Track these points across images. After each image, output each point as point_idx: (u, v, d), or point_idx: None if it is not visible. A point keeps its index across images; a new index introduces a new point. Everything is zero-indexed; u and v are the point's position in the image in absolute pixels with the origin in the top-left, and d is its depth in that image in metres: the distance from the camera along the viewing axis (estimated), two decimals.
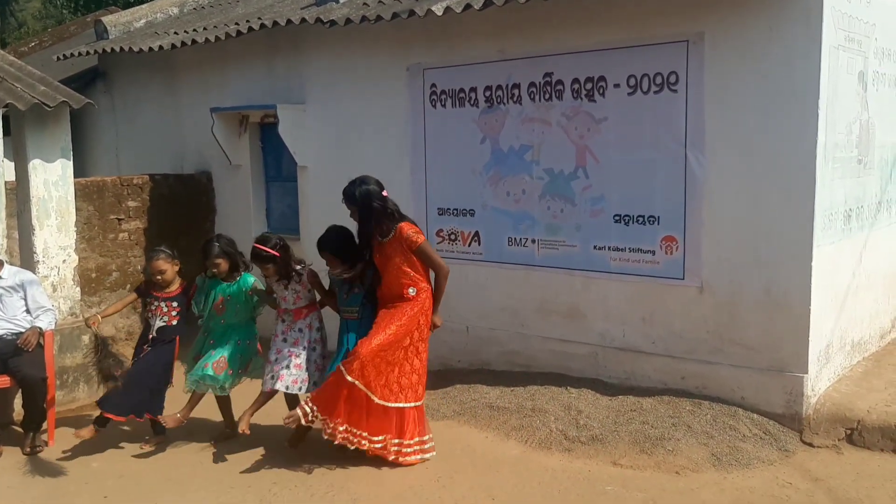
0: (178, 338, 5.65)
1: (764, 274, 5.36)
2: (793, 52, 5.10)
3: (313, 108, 7.73)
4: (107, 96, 10.11)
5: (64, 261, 6.50)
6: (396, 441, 5.09)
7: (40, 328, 5.67)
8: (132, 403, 5.35)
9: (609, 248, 5.98)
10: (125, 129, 10.10)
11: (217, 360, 5.41)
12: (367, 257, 5.18)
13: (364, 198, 5.04)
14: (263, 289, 5.58)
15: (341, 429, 4.95)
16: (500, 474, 5.01)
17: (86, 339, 6.56)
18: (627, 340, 5.98)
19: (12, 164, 6.63)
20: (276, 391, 5.28)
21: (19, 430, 5.77)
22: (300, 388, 5.28)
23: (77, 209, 6.75)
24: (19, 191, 6.51)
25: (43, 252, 6.40)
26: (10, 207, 6.86)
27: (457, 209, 6.82)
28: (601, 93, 5.87)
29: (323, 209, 7.72)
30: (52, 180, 6.41)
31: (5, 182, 6.89)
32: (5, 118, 6.69)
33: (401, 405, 5.07)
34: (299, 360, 5.30)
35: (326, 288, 5.48)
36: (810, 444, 5.21)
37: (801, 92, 5.10)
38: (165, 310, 5.58)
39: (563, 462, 5.18)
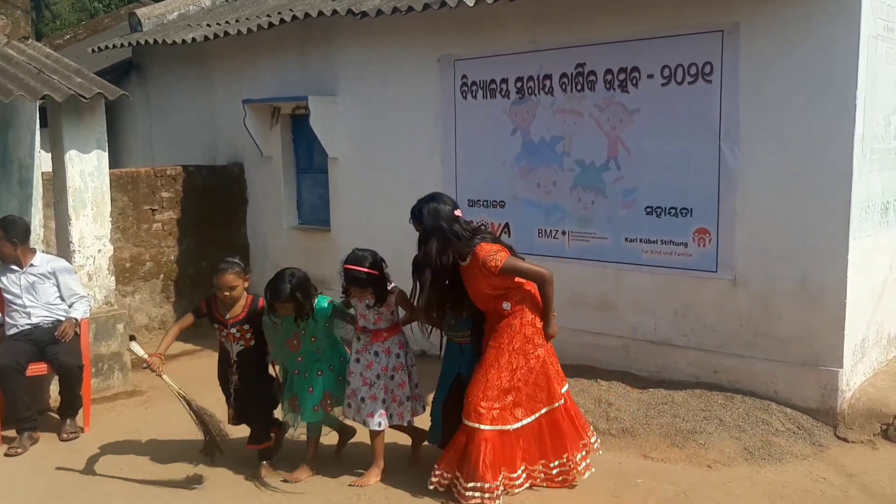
0: (266, 356, 5.07)
1: (799, 267, 5.29)
2: (830, 41, 5.02)
3: (344, 99, 7.75)
4: (140, 88, 10.21)
5: (99, 250, 6.59)
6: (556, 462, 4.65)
7: (76, 318, 5.76)
8: (259, 431, 5.03)
9: (641, 240, 5.94)
10: (159, 120, 10.20)
11: (323, 400, 4.87)
12: (438, 282, 4.59)
13: (429, 217, 4.52)
14: (341, 307, 4.97)
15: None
16: None
17: (120, 327, 6.66)
18: (659, 333, 5.94)
19: (49, 155, 6.73)
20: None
21: (56, 416, 5.87)
22: (391, 420, 4.82)
23: (112, 200, 6.83)
24: (56, 181, 6.60)
25: (79, 242, 6.49)
26: (47, 198, 6.98)
27: (487, 201, 6.81)
28: (634, 83, 5.82)
29: (353, 201, 7.77)
30: (88, 171, 6.49)
31: (42, 173, 7.01)
32: (42, 110, 6.79)
33: (534, 416, 4.60)
34: (379, 390, 4.77)
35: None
36: (845, 440, 5.15)
37: (838, 82, 5.02)
38: (238, 335, 4.93)
39: (593, 454, 5.15)
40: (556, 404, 4.66)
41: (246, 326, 4.92)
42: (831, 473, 4.78)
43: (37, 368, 5.62)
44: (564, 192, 6.30)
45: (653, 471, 4.90)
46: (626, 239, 6.01)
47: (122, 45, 9.93)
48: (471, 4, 5.97)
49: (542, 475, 4.66)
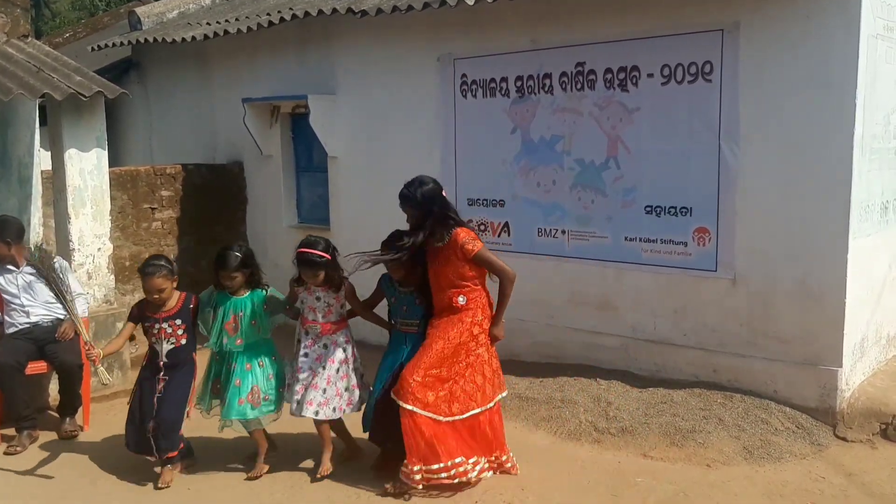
0: (194, 356, 5.03)
1: (798, 266, 5.30)
2: (830, 41, 5.03)
3: (344, 98, 7.74)
4: (140, 86, 10.21)
5: (99, 249, 6.58)
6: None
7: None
8: (171, 440, 4.85)
9: (641, 239, 5.94)
10: (158, 118, 10.19)
11: (250, 392, 4.85)
12: (419, 265, 4.75)
13: (426, 200, 4.57)
14: (282, 298, 4.98)
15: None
16: (529, 464, 5.00)
17: (120, 326, 6.64)
18: (659, 332, 5.95)
19: (48, 153, 6.72)
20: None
21: (55, 414, 5.86)
22: (332, 412, 4.84)
23: (111, 198, 6.83)
24: (55, 180, 6.60)
25: (78, 240, 6.48)
26: (47, 196, 6.98)
27: (486, 199, 6.81)
28: (634, 83, 5.82)
29: (353, 199, 7.77)
30: (88, 169, 6.48)
31: (41, 171, 7.01)
32: (42, 108, 6.79)
33: (466, 415, 4.66)
34: (322, 380, 4.81)
35: (363, 299, 5.05)
36: (844, 439, 5.15)
37: (838, 82, 5.02)
38: (170, 331, 4.87)
39: (592, 453, 5.17)
40: (488, 406, 4.73)
41: (178, 321, 4.89)
42: (830, 473, 4.78)
43: (36, 367, 5.62)
44: (564, 191, 6.30)
45: (652, 470, 4.90)
46: (626, 238, 6.02)
47: (121, 44, 9.93)
48: (471, 3, 5.97)
49: (488, 466, 4.79)
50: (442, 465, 4.53)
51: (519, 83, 6.45)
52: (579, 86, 6.11)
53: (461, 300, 4.64)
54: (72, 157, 6.42)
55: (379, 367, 4.95)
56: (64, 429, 5.68)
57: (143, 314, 4.91)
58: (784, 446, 5.03)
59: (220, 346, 4.92)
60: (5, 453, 5.38)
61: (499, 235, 6.75)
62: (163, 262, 4.89)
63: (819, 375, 5.27)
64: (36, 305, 5.73)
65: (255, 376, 4.89)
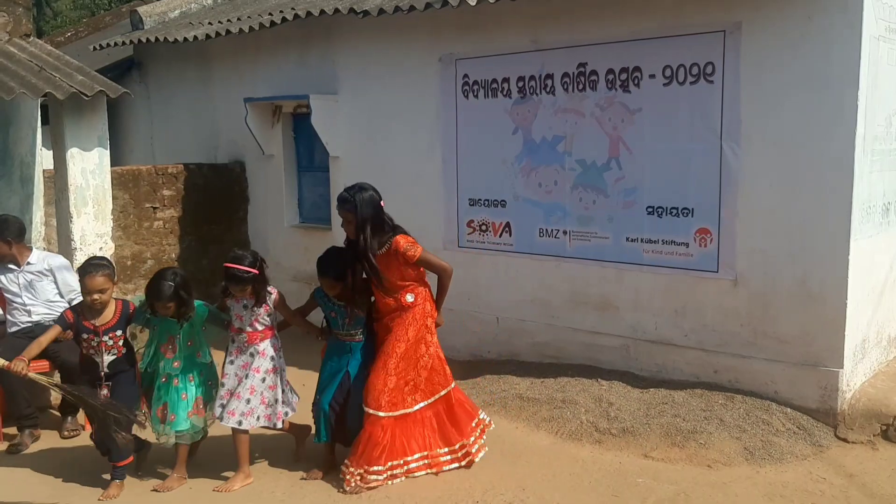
0: (136, 366, 4.90)
1: (799, 267, 5.30)
2: (831, 42, 5.03)
3: (345, 98, 7.75)
4: (142, 86, 10.21)
5: (101, 248, 6.58)
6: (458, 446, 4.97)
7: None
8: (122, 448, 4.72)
9: (642, 239, 5.94)
10: (160, 118, 10.20)
11: (195, 404, 4.78)
12: (360, 274, 4.86)
13: (364, 206, 4.70)
14: (216, 311, 4.94)
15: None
16: (529, 465, 5.02)
17: None
18: (660, 333, 5.95)
19: (50, 152, 6.73)
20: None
21: (57, 414, 5.87)
22: (256, 422, 4.82)
23: (113, 197, 6.83)
24: (57, 179, 6.60)
25: (80, 239, 6.49)
26: (48, 195, 6.99)
27: (488, 200, 6.82)
28: (636, 83, 5.83)
29: None
30: (90, 169, 6.49)
31: (43, 170, 7.01)
32: (44, 107, 6.79)
33: (434, 398, 4.93)
34: (245, 390, 4.76)
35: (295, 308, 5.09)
36: (845, 440, 5.16)
37: (839, 83, 5.02)
38: (111, 343, 4.70)
39: (593, 454, 5.17)
40: (453, 385, 5.01)
41: (119, 333, 4.72)
42: (831, 474, 4.78)
43: (38, 366, 5.61)
44: (565, 191, 6.30)
45: (653, 470, 4.90)
46: (627, 238, 6.02)
47: (123, 43, 9.93)
48: (473, 3, 5.98)
49: (449, 457, 4.95)
50: (401, 460, 4.79)
51: (520, 83, 6.45)
52: (581, 86, 6.12)
53: (409, 298, 4.85)
54: (74, 156, 6.42)
55: (320, 377, 5.00)
56: (65, 427, 5.69)
57: (80, 325, 4.67)
58: (785, 447, 5.04)
59: (155, 367, 4.80)
60: (7, 452, 5.39)
61: (500, 236, 6.76)
62: (105, 262, 4.76)
63: (820, 376, 5.28)
64: (37, 304, 5.73)
65: (198, 387, 4.82)
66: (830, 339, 5.23)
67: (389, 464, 4.75)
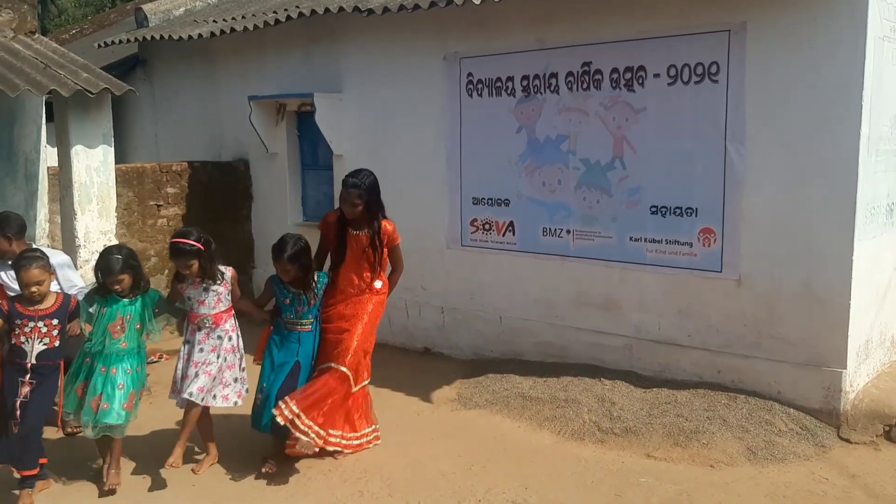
0: (62, 363, 4.71)
1: (803, 267, 5.30)
2: (837, 42, 5.02)
3: (350, 96, 7.75)
4: (146, 83, 10.23)
5: (105, 245, 6.59)
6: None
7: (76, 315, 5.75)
8: (33, 454, 4.59)
9: (646, 239, 5.94)
10: (164, 116, 10.21)
11: (129, 398, 4.63)
12: (341, 257, 5.12)
13: (372, 188, 5.03)
14: (165, 298, 4.95)
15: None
16: (532, 463, 5.02)
17: None
18: (663, 333, 5.95)
19: (55, 149, 6.74)
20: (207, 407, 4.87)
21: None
22: (213, 400, 4.85)
23: (117, 195, 6.85)
24: (61, 176, 6.62)
25: (84, 237, 6.51)
26: (53, 192, 7.01)
27: (491, 199, 6.82)
28: (640, 83, 5.82)
29: None
30: (94, 166, 6.51)
31: (48, 167, 7.03)
32: (48, 104, 6.80)
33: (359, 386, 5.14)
34: (214, 368, 4.81)
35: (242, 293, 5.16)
36: (847, 441, 5.16)
37: (844, 83, 5.02)
38: (45, 330, 4.53)
39: (596, 453, 5.17)
40: (367, 383, 5.21)
41: (55, 321, 4.56)
42: (834, 474, 4.78)
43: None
44: (569, 190, 6.30)
45: (656, 470, 4.90)
46: (631, 238, 6.02)
47: (128, 41, 9.93)
48: (477, 2, 5.97)
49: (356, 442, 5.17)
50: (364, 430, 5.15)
51: (525, 82, 6.45)
52: (585, 86, 6.11)
53: (378, 284, 5.13)
54: (78, 153, 6.44)
55: (264, 366, 5.04)
56: (69, 425, 5.68)
57: (13, 311, 4.51)
58: (788, 447, 5.03)
59: (101, 347, 4.65)
60: None
61: (503, 235, 6.76)
62: (39, 254, 4.61)
63: (823, 377, 5.27)
64: None
65: (135, 382, 4.70)
66: (834, 339, 5.23)
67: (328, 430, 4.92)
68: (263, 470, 4.91)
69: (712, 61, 5.49)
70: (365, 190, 4.99)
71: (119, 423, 4.62)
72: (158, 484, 4.84)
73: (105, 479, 4.73)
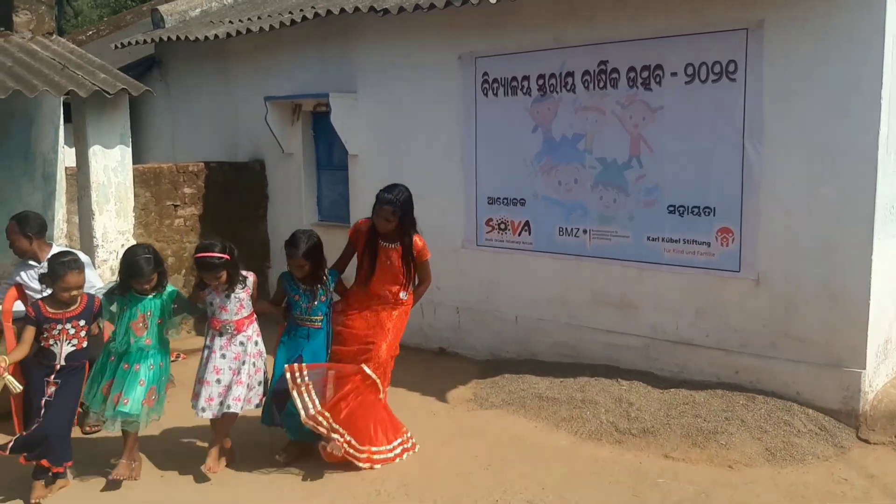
0: (87, 362, 4.79)
1: (822, 267, 5.26)
2: (855, 40, 4.98)
3: (365, 96, 7.76)
4: (163, 84, 10.27)
5: (122, 245, 6.63)
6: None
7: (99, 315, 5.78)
8: (61, 453, 4.63)
9: (663, 239, 5.92)
10: (181, 116, 10.26)
11: (149, 394, 4.68)
12: (368, 266, 5.14)
13: (406, 204, 5.04)
14: (186, 299, 5.01)
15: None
16: (549, 464, 5.01)
17: None
18: (680, 333, 5.92)
19: (73, 150, 6.78)
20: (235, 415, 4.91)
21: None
22: (247, 405, 4.93)
23: (135, 195, 6.89)
24: (79, 176, 6.66)
25: (102, 236, 6.54)
26: (71, 192, 7.05)
27: (507, 198, 6.81)
28: (658, 81, 5.80)
29: (373, 197, 7.76)
30: (112, 166, 6.55)
31: (66, 168, 7.07)
32: (66, 105, 6.85)
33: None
34: (245, 376, 4.87)
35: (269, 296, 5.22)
36: (867, 441, 5.12)
37: (863, 81, 4.98)
38: (73, 332, 4.62)
39: (613, 453, 5.16)
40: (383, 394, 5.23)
41: (82, 322, 4.65)
42: (853, 475, 4.75)
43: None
44: (586, 189, 6.28)
45: (674, 470, 4.88)
46: (648, 238, 5.99)
47: (144, 42, 9.99)
48: (493, 1, 5.96)
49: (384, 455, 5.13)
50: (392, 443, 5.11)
51: (541, 81, 6.44)
52: (602, 84, 6.09)
53: (403, 296, 5.17)
54: (96, 153, 6.48)
55: (276, 360, 5.08)
56: (87, 423, 5.71)
57: (42, 315, 4.56)
58: (806, 448, 5.00)
59: (126, 346, 4.71)
60: None
61: (519, 234, 6.75)
62: (77, 258, 4.69)
63: (842, 377, 5.24)
64: None
65: (156, 377, 4.75)
66: (853, 339, 5.19)
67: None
68: (277, 457, 5.01)
69: (730, 60, 5.45)
70: (399, 206, 4.99)
71: (135, 414, 4.64)
72: (173, 480, 4.86)
73: (114, 473, 4.74)
